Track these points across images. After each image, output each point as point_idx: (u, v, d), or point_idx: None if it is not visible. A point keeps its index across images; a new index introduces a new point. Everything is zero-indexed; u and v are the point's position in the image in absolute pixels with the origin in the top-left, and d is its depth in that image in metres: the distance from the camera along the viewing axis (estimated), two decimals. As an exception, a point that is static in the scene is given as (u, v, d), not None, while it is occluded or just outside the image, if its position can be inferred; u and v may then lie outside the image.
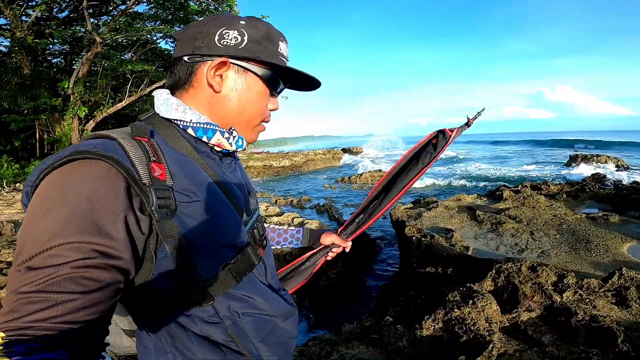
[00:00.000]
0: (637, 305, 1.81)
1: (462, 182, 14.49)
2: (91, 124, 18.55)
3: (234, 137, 0.69)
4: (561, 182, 7.57)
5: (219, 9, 17.66)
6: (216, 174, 0.66)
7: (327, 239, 1.15)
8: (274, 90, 0.72)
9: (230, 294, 0.63)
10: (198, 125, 0.65)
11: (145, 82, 20.64)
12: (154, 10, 18.19)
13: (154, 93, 0.70)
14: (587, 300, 1.83)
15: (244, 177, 0.81)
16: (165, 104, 0.66)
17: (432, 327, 1.86)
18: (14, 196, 9.24)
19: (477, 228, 4.11)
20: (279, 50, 0.69)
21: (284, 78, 0.72)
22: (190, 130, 0.65)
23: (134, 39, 18.68)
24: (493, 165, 21.81)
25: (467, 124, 1.17)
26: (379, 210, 1.12)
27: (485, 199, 6.20)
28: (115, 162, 0.49)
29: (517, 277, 2.00)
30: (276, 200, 10.64)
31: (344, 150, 36.41)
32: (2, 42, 17.23)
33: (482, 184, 13.87)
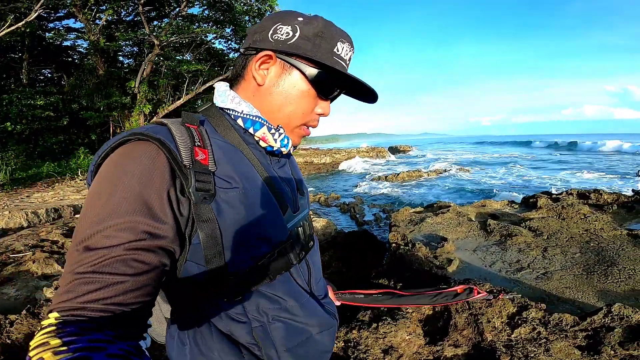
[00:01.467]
0: (612, 352, 1.34)
1: (500, 187, 13.02)
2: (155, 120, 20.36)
3: (280, 134, 0.68)
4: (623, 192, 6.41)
5: (261, 8, 18.16)
6: (262, 166, 0.65)
7: None
8: (322, 93, 0.68)
9: (261, 292, 0.60)
10: (248, 116, 0.66)
11: (200, 81, 22.12)
12: (207, 12, 19.32)
13: (214, 85, 0.71)
14: (544, 340, 1.40)
15: (295, 174, 0.79)
16: (222, 95, 0.68)
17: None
18: (85, 184, 10.37)
19: (483, 239, 3.59)
20: (335, 50, 0.65)
21: (337, 81, 0.67)
22: (239, 121, 0.66)
23: (188, 40, 20.03)
24: (548, 172, 19.07)
25: (495, 297, 1.25)
26: (376, 303, 1.11)
27: (516, 206, 5.51)
28: (161, 143, 0.52)
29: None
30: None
31: (391, 149, 35.39)
32: (82, 44, 19.47)
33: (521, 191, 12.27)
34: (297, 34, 0.64)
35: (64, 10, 16.39)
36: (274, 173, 0.68)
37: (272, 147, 0.68)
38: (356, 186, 13.62)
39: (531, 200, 5.31)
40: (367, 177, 16.54)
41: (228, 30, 21.39)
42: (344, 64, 0.66)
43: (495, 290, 1.76)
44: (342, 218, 8.07)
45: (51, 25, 18.59)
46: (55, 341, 0.37)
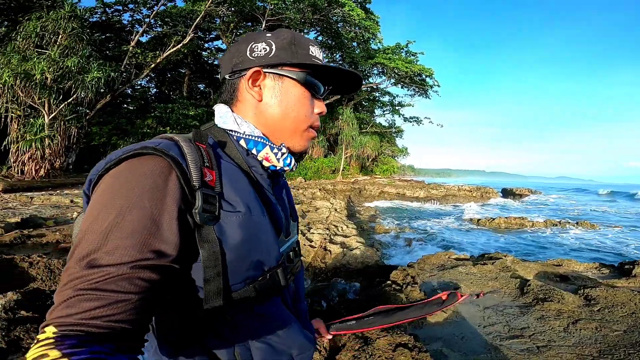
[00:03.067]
0: None
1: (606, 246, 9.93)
2: None
3: (283, 154, 0.69)
4: None
5: (364, 35, 19.09)
6: (262, 190, 0.67)
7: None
8: (316, 92, 0.72)
9: (248, 313, 0.60)
10: (250, 137, 0.67)
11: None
12: (320, 37, 21.30)
13: (214, 107, 0.73)
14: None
15: (289, 199, 0.81)
16: (224, 116, 0.69)
17: None
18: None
19: (510, 298, 3.09)
20: (311, 53, 0.70)
21: (322, 79, 0.72)
22: (242, 142, 0.67)
23: None
24: None
25: (477, 296, 1.22)
26: (368, 326, 1.07)
27: (607, 270, 4.50)
28: (174, 161, 0.52)
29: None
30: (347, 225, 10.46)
31: (505, 192, 31.42)
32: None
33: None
34: (274, 47, 0.68)
35: (215, 32, 20.19)
36: (272, 197, 0.69)
37: (276, 166, 0.69)
38: (433, 222, 12.65)
39: (627, 266, 4.25)
40: (455, 216, 15.14)
41: (338, 56, 23.17)
42: (321, 63, 0.71)
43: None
44: (393, 252, 7.70)
45: (207, 45, 22.98)
46: (55, 353, 0.37)
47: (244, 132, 0.67)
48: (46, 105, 10.65)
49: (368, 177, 27.81)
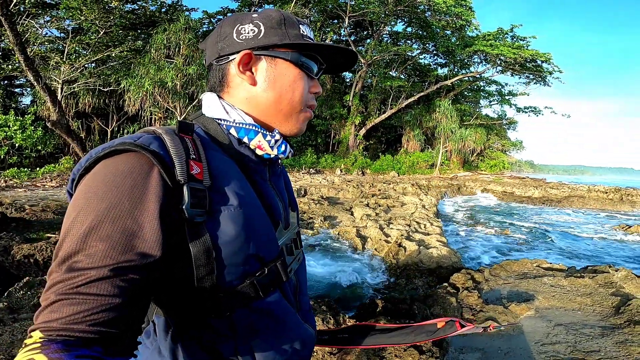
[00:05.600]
0: None
1: None
2: (362, 131, 23.70)
3: (277, 141, 0.66)
4: None
5: (456, 22, 17.38)
6: (256, 181, 0.65)
7: None
8: (309, 72, 0.69)
9: (249, 308, 0.59)
10: (240, 125, 0.64)
11: (402, 96, 23.66)
12: (409, 28, 20.44)
13: (201, 96, 0.70)
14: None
15: (288, 188, 0.80)
16: (212, 104, 0.66)
17: None
18: (303, 175, 13.76)
19: (596, 317, 2.66)
20: (302, 32, 0.67)
21: (314, 58, 0.70)
22: (232, 131, 0.64)
23: (392, 57, 21.88)
24: None
25: (486, 329, 1.03)
26: (343, 343, 0.98)
27: None
28: (154, 156, 0.49)
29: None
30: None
31: (659, 194, 24.82)
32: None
33: None
34: (263, 28, 0.64)
35: None
36: (268, 188, 0.68)
37: (269, 154, 0.66)
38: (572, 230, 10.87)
39: None
40: (602, 224, 12.73)
41: (431, 46, 21.73)
42: (314, 42, 0.68)
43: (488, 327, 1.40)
44: (480, 255, 7.01)
45: None
46: (42, 357, 0.37)
47: (234, 120, 0.65)
48: (178, 108, 13.08)
49: (470, 173, 25.48)
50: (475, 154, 28.63)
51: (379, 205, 9.56)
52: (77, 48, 12.86)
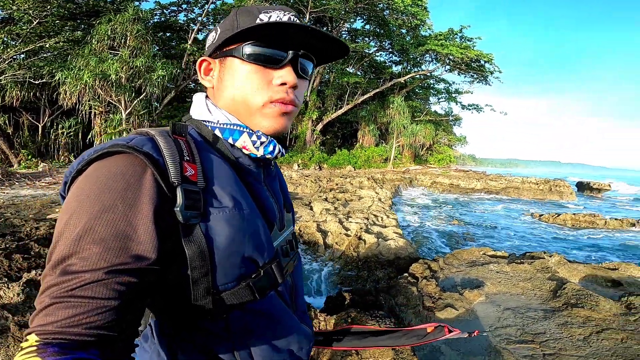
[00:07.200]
0: None
1: None
2: (319, 126, 23.74)
3: (262, 142, 0.64)
4: None
5: (412, 22, 18.23)
6: (250, 182, 0.64)
7: None
8: (269, 62, 0.62)
9: (245, 309, 0.59)
10: (224, 126, 0.63)
11: (359, 92, 24.09)
12: (367, 26, 20.94)
13: (194, 96, 0.70)
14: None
15: (283, 189, 0.78)
16: (199, 105, 0.66)
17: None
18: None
19: (538, 301, 2.94)
20: (259, 20, 0.60)
21: (277, 43, 0.62)
22: (217, 132, 0.64)
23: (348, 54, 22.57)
24: None
25: (470, 334, 1.04)
26: (337, 344, 0.96)
27: None
28: (148, 157, 0.49)
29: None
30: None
31: (580, 185, 28.18)
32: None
33: None
34: (219, 31, 0.64)
35: None
36: (263, 189, 0.67)
37: (256, 154, 0.65)
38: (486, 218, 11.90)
39: None
40: (512, 209, 14.07)
41: (387, 44, 22.47)
42: (265, 22, 0.59)
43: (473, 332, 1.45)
44: (433, 245, 7.48)
45: None
46: None
47: (217, 120, 0.64)
48: (122, 101, 12.09)
49: (420, 167, 26.85)
50: (425, 149, 30.22)
51: (337, 200, 9.70)
52: (5, 38, 11.34)
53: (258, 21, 0.60)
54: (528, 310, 2.74)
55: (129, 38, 12.53)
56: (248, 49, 0.61)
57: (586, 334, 2.33)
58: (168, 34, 17.97)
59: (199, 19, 16.12)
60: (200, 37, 17.53)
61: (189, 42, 15.04)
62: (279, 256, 0.66)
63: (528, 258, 4.22)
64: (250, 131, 0.64)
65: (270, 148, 0.65)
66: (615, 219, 12.85)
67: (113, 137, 12.08)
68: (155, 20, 16.56)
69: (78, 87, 11.26)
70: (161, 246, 0.49)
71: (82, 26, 14.26)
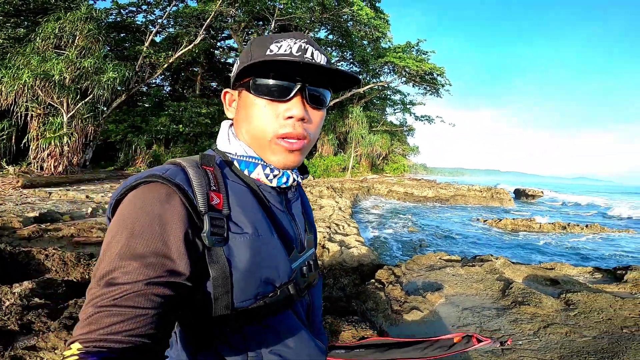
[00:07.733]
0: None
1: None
2: None
3: (275, 175, 0.67)
4: None
5: (373, 34, 19.06)
6: (270, 208, 0.67)
7: None
8: (275, 96, 0.63)
9: (261, 325, 0.62)
10: (241, 158, 0.67)
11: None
12: (330, 36, 21.33)
13: (221, 124, 0.74)
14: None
15: (306, 211, 0.81)
16: (222, 135, 0.71)
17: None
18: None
19: (490, 300, 3.22)
20: (269, 52, 0.63)
21: (282, 75, 0.62)
22: (235, 164, 0.67)
23: None
24: None
25: (502, 343, 1.06)
26: (358, 357, 0.99)
27: (599, 275, 4.58)
28: (178, 188, 0.55)
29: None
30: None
31: (517, 192, 30.96)
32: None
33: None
34: (238, 64, 0.66)
35: (227, 31, 20.36)
36: (283, 214, 0.70)
37: (270, 186, 0.68)
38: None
39: (620, 271, 4.31)
40: (462, 216, 15.10)
41: (348, 55, 23.13)
42: (286, 58, 0.60)
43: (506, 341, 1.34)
44: (392, 252, 7.82)
45: (219, 44, 23.09)
46: None
47: (236, 152, 0.68)
48: (65, 104, 11.12)
49: (377, 176, 27.81)
50: (381, 158, 31.41)
51: (299, 208, 9.74)
52: None
53: (268, 52, 0.63)
54: (483, 309, 2.99)
55: (78, 37, 11.64)
56: (256, 82, 0.63)
57: (535, 329, 2.60)
58: (122, 35, 16.93)
59: (159, 20, 15.40)
60: (157, 39, 16.77)
61: (146, 43, 14.28)
62: (296, 277, 0.68)
63: (478, 261, 4.59)
64: (264, 164, 0.67)
65: (284, 180, 0.68)
66: (549, 223, 14.28)
67: (52, 142, 11.23)
68: (110, 20, 15.56)
69: (15, 87, 10.19)
70: (193, 265, 0.54)
71: (26, 23, 13.09)
